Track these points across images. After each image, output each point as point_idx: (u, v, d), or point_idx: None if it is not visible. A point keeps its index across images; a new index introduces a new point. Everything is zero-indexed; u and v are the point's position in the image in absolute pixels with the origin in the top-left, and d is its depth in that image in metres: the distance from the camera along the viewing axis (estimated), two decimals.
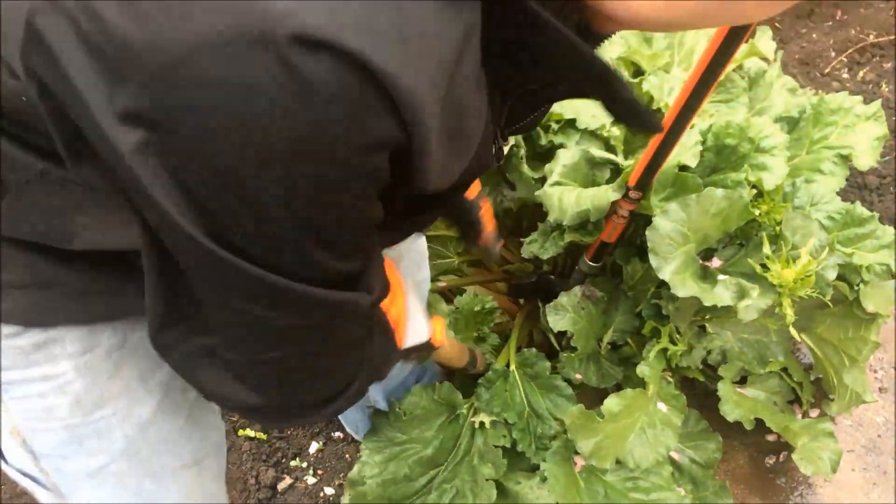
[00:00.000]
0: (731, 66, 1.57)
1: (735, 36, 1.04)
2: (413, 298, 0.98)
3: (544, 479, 1.44)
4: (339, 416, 1.67)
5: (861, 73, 2.26)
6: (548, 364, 1.54)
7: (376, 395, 1.50)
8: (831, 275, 1.40)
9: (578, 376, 1.58)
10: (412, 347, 0.96)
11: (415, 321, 0.99)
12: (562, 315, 1.55)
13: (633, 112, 0.62)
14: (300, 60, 0.39)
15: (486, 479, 1.42)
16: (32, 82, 0.47)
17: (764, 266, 1.39)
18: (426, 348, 1.03)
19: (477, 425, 1.50)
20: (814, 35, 2.36)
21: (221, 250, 0.48)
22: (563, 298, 1.56)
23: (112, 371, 0.76)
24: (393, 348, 0.82)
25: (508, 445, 1.47)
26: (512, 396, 1.53)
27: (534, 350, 1.56)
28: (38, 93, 0.47)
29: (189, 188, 0.45)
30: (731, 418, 1.44)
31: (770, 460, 1.60)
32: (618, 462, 1.43)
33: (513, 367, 1.57)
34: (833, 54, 2.31)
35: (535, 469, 1.50)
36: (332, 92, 0.41)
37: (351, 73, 0.40)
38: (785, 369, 1.60)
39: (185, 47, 0.40)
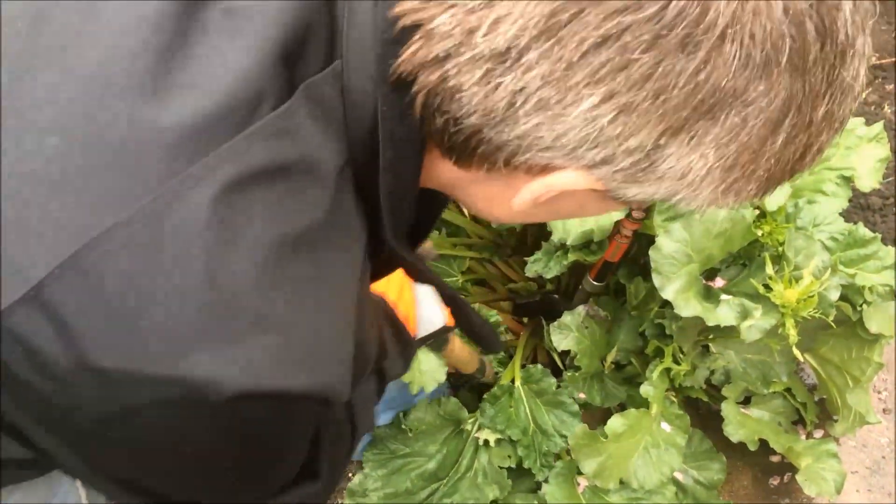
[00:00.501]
0: None
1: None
2: (423, 287, 0.98)
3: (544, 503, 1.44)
4: None
5: (864, 95, 2.28)
6: (553, 380, 1.54)
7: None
8: (834, 295, 1.41)
9: (582, 395, 1.58)
10: (429, 335, 0.96)
11: (426, 308, 0.98)
12: (565, 334, 1.55)
13: (478, 333, 0.75)
14: (234, 412, 0.43)
15: (491, 501, 1.42)
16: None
17: (767, 287, 1.39)
18: (443, 332, 1.02)
19: (481, 442, 1.50)
20: None
21: None
22: (567, 318, 1.57)
23: None
24: (408, 342, 0.82)
25: (514, 465, 1.47)
26: (517, 413, 1.53)
27: (539, 366, 1.56)
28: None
29: None
30: (734, 439, 1.44)
31: (774, 481, 1.60)
32: (621, 482, 1.44)
33: (518, 382, 1.57)
34: None
35: (536, 489, 1.50)
36: (259, 426, 0.46)
37: (274, 405, 0.44)
38: (788, 390, 1.60)
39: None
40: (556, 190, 0.48)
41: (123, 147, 0.41)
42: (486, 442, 1.49)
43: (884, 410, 1.70)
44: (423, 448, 1.51)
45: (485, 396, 1.54)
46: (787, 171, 0.45)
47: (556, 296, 1.75)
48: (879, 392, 1.72)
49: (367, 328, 0.57)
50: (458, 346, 1.38)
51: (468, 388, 1.67)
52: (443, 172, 0.53)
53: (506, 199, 0.53)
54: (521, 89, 0.41)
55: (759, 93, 0.40)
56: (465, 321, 0.78)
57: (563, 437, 1.50)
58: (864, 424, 1.53)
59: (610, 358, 1.61)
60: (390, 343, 0.77)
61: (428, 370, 1.41)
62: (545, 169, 0.47)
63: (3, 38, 0.43)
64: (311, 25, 0.46)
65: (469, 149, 0.47)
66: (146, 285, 0.40)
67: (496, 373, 1.59)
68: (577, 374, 1.56)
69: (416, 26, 0.43)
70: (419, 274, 0.70)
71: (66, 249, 0.40)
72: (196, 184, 0.41)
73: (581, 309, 1.59)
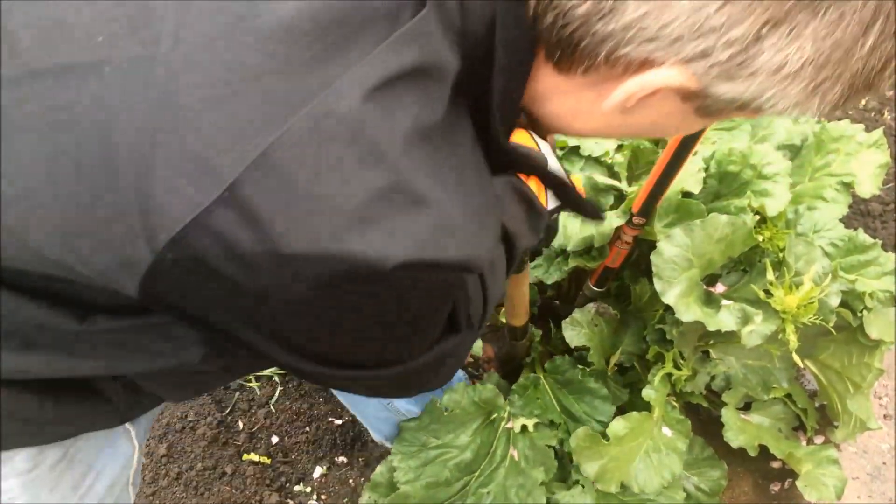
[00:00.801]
0: None
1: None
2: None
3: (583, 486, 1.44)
4: (368, 426, 1.66)
5: (864, 101, 2.28)
6: (579, 370, 1.54)
7: (404, 405, 1.49)
8: (834, 301, 1.41)
9: None
10: (557, 207, 0.96)
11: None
12: (577, 330, 1.56)
13: (578, 206, 0.81)
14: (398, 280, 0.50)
15: (539, 483, 1.42)
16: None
17: (767, 292, 1.39)
18: (569, 196, 1.01)
19: (518, 429, 1.49)
20: None
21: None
22: (578, 314, 1.57)
23: (53, 484, 0.78)
24: (540, 213, 0.84)
25: (558, 445, 1.47)
26: (544, 402, 1.54)
27: (566, 357, 1.56)
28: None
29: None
30: (735, 444, 1.44)
31: (775, 487, 1.60)
32: (622, 486, 1.43)
33: (541, 375, 1.57)
34: None
35: (566, 479, 1.50)
36: (423, 289, 0.54)
37: (427, 272, 0.51)
38: (789, 396, 1.60)
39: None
40: (651, 88, 0.51)
41: (277, 52, 0.46)
42: (525, 427, 1.48)
43: (885, 416, 1.70)
44: (455, 440, 1.50)
45: (513, 387, 1.54)
46: (870, 81, 0.47)
47: (557, 302, 1.75)
48: (880, 398, 1.72)
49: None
50: (525, 289, 1.39)
51: (487, 378, 1.65)
52: (541, 80, 0.58)
53: (594, 110, 0.57)
54: None
55: None
56: (572, 200, 0.83)
57: (599, 422, 1.50)
58: (864, 430, 1.53)
59: (614, 360, 1.61)
60: (519, 218, 0.79)
61: None
62: (644, 64, 0.50)
63: None
64: None
65: (573, 44, 0.51)
66: (324, 174, 0.46)
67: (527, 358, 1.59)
68: (588, 369, 1.55)
69: None
70: (529, 166, 0.76)
71: (253, 151, 0.45)
72: (351, 84, 0.46)
73: (591, 306, 1.59)
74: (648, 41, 0.47)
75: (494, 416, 1.53)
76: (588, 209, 0.83)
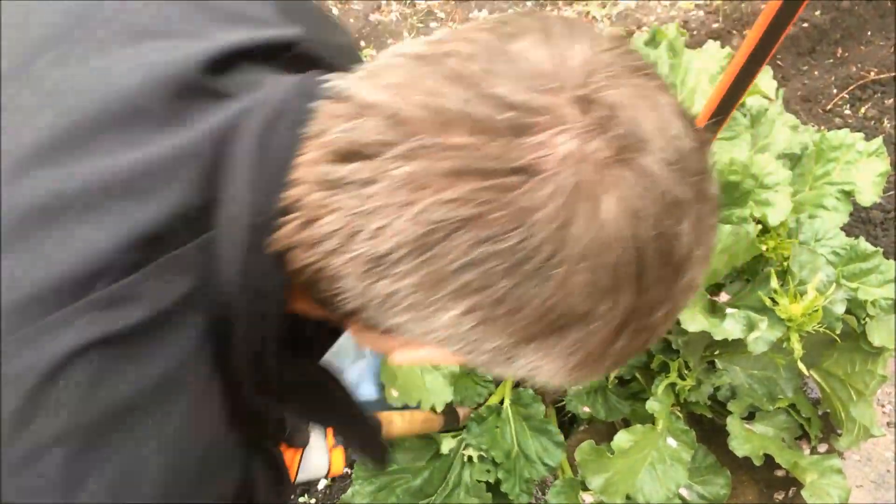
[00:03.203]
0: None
1: (744, 79, 1.06)
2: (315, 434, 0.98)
3: None
4: None
5: (863, 110, 2.29)
6: (542, 408, 1.55)
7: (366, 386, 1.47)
8: (840, 309, 1.42)
9: (586, 409, 1.58)
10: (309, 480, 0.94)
11: (312, 457, 0.98)
12: None
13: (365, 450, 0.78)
14: None
15: None
16: None
17: (772, 300, 1.40)
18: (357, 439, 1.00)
19: (466, 459, 1.50)
20: (815, 72, 2.40)
21: None
22: None
23: None
24: (286, 489, 0.79)
25: (493, 481, 1.48)
26: (502, 433, 1.54)
27: (531, 391, 1.57)
28: None
29: None
30: (740, 453, 1.44)
31: (779, 496, 1.60)
32: (628, 497, 1.43)
33: (507, 402, 1.58)
34: (835, 91, 2.34)
35: None
36: None
37: None
38: (793, 405, 1.60)
39: None
40: (427, 359, 0.53)
41: None
42: (470, 458, 1.50)
43: (888, 424, 1.70)
44: (411, 465, 1.52)
45: (472, 415, 1.55)
46: (632, 355, 0.49)
47: None
48: (883, 406, 1.72)
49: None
50: (406, 421, 1.40)
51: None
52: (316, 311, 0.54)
53: (384, 346, 0.56)
54: (396, 292, 0.44)
55: (604, 311, 0.44)
56: (352, 439, 0.79)
57: (546, 465, 1.51)
58: (868, 437, 1.53)
59: (614, 372, 1.62)
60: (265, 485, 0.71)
61: (433, 388, 1.42)
62: (418, 343, 0.50)
63: None
64: (185, 210, 0.47)
65: (346, 316, 0.49)
66: None
67: (488, 395, 1.59)
68: (581, 388, 1.56)
69: (296, 210, 0.46)
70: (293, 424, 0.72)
71: None
72: (10, 365, 0.43)
73: None
74: (417, 335, 0.48)
75: (441, 448, 1.54)
76: (375, 454, 0.77)
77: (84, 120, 0.48)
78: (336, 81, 0.46)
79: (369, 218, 0.42)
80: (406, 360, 0.56)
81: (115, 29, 0.53)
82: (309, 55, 0.60)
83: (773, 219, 1.41)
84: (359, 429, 0.72)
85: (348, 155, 0.43)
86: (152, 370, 0.46)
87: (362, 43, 2.57)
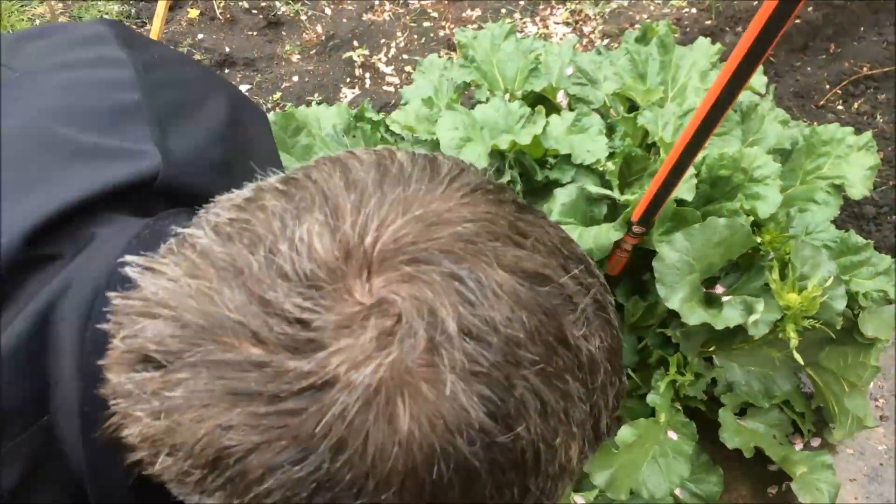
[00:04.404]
0: None
1: (740, 77, 1.06)
2: None
3: None
4: None
5: (856, 105, 2.30)
6: None
7: None
8: (840, 305, 1.42)
9: None
10: None
11: None
12: None
13: None
14: None
15: None
16: None
17: (766, 286, 1.41)
18: None
19: None
20: (808, 68, 2.40)
21: None
22: None
23: None
24: None
25: None
26: None
27: None
28: None
29: None
30: (730, 445, 1.45)
31: (772, 490, 1.60)
32: (631, 493, 1.43)
33: None
34: (828, 87, 2.35)
35: None
36: None
37: None
38: (786, 401, 1.61)
39: None
40: None
41: None
42: None
43: (881, 417, 1.70)
44: None
45: None
46: None
47: None
48: (877, 399, 1.72)
49: None
50: None
51: None
52: None
53: None
54: None
55: None
56: None
57: None
58: (862, 429, 1.54)
59: None
60: None
61: None
62: None
63: None
64: (19, 402, 0.47)
65: None
66: None
67: None
68: None
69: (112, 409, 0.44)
70: None
71: None
72: None
73: None
74: None
75: None
76: None
77: None
78: (134, 266, 0.43)
79: (165, 434, 0.39)
80: None
81: None
82: (173, 185, 0.58)
83: (763, 212, 1.42)
84: None
85: (138, 361, 0.40)
86: None
87: (355, 43, 2.58)
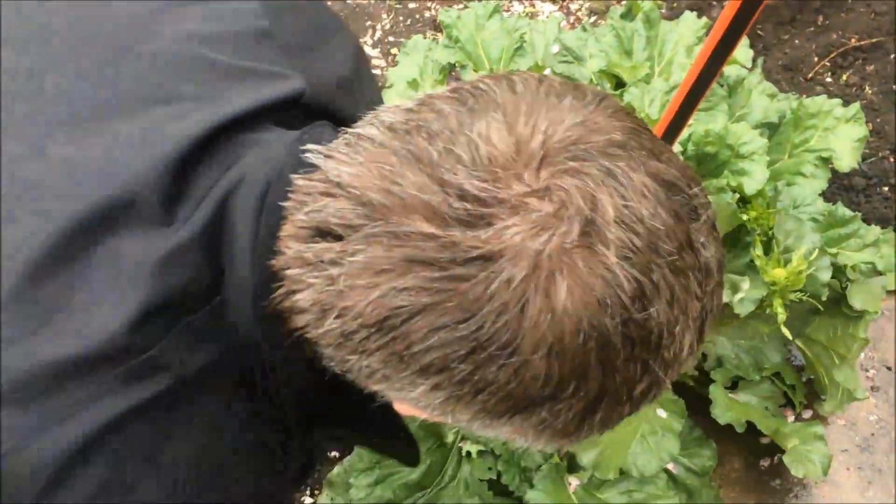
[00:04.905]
0: None
1: (722, 51, 1.05)
2: None
3: None
4: None
5: (844, 77, 2.28)
6: None
7: None
8: (825, 276, 1.42)
9: None
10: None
11: None
12: None
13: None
14: None
15: None
16: None
17: (752, 262, 1.41)
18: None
19: (464, 453, 1.50)
20: (796, 41, 2.39)
21: None
22: None
23: None
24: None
25: (494, 478, 1.47)
26: None
27: None
28: None
29: None
30: (722, 421, 1.45)
31: (765, 462, 1.61)
32: (621, 472, 1.44)
33: None
34: (816, 59, 2.33)
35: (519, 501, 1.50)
36: None
37: None
38: (777, 374, 1.61)
39: None
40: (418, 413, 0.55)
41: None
42: (469, 453, 1.49)
43: (872, 388, 1.71)
44: None
45: None
46: (620, 421, 0.50)
47: None
48: (867, 370, 1.73)
49: None
50: None
51: None
52: None
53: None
54: (367, 366, 0.46)
55: (568, 394, 0.44)
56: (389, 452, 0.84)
57: (540, 451, 1.50)
58: (852, 401, 1.54)
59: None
60: None
61: None
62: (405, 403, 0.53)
63: None
64: (193, 278, 0.52)
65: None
66: None
67: None
68: None
69: (281, 280, 0.48)
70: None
71: None
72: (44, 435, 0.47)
73: None
74: (398, 399, 0.52)
75: (446, 439, 1.53)
76: (410, 460, 0.80)
77: (90, 208, 0.51)
78: (315, 153, 0.48)
79: (337, 297, 0.44)
80: (404, 410, 0.59)
81: (125, 91, 0.57)
82: (311, 106, 0.63)
83: (750, 187, 1.42)
84: (396, 443, 0.75)
85: (317, 234, 0.45)
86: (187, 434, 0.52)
87: None
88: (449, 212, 0.41)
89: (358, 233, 0.43)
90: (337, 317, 0.44)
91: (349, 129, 0.49)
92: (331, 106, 0.65)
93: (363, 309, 0.43)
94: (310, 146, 0.49)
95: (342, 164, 0.46)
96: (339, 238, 0.44)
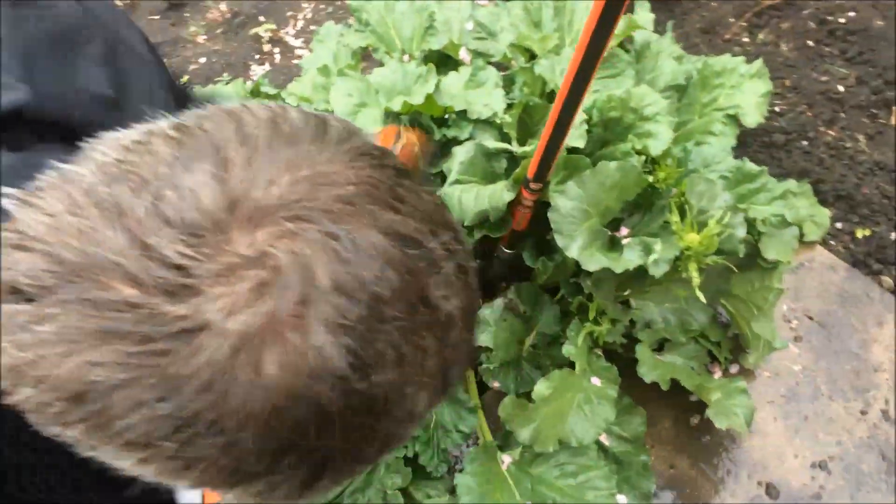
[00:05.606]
0: (612, 43, 1.60)
1: (610, 14, 1.05)
2: None
3: (452, 492, 1.45)
4: None
5: (761, 36, 2.32)
6: None
7: None
8: (741, 232, 1.43)
9: (496, 385, 1.59)
10: None
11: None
12: (482, 329, 1.56)
13: None
14: None
15: (393, 490, 1.44)
16: None
17: (666, 223, 1.42)
18: None
19: None
20: (713, 3, 2.41)
21: None
22: (486, 311, 1.58)
23: None
24: None
25: (410, 456, 1.48)
26: None
27: None
28: None
29: None
30: (648, 379, 1.47)
31: (695, 420, 1.64)
32: (560, 443, 1.45)
33: None
34: (732, 20, 2.36)
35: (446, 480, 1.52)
36: None
37: None
38: (703, 334, 1.63)
39: None
40: None
41: None
42: None
43: (795, 338, 1.74)
44: None
45: None
46: (351, 479, 0.50)
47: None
48: (790, 321, 1.76)
49: None
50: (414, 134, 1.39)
51: None
52: None
53: None
54: (72, 436, 0.42)
55: (287, 465, 0.43)
56: None
57: (461, 432, 1.52)
58: (772, 351, 1.57)
59: (528, 342, 1.62)
60: None
61: None
62: None
63: None
64: None
65: None
66: None
67: None
68: (490, 365, 1.57)
69: None
70: None
71: None
72: None
73: (499, 302, 1.61)
74: None
75: None
76: None
77: None
78: (11, 198, 0.43)
79: (29, 366, 0.40)
80: None
81: None
82: (45, 121, 0.58)
83: (655, 149, 1.43)
84: None
85: (9, 293, 0.41)
86: None
87: (261, 18, 2.53)
88: (150, 280, 0.38)
89: (52, 296, 0.39)
90: (31, 386, 0.40)
91: (58, 166, 0.44)
92: (78, 121, 0.60)
93: (56, 381, 0.39)
94: (5, 189, 0.43)
95: (38, 212, 0.41)
96: (30, 300, 0.40)
